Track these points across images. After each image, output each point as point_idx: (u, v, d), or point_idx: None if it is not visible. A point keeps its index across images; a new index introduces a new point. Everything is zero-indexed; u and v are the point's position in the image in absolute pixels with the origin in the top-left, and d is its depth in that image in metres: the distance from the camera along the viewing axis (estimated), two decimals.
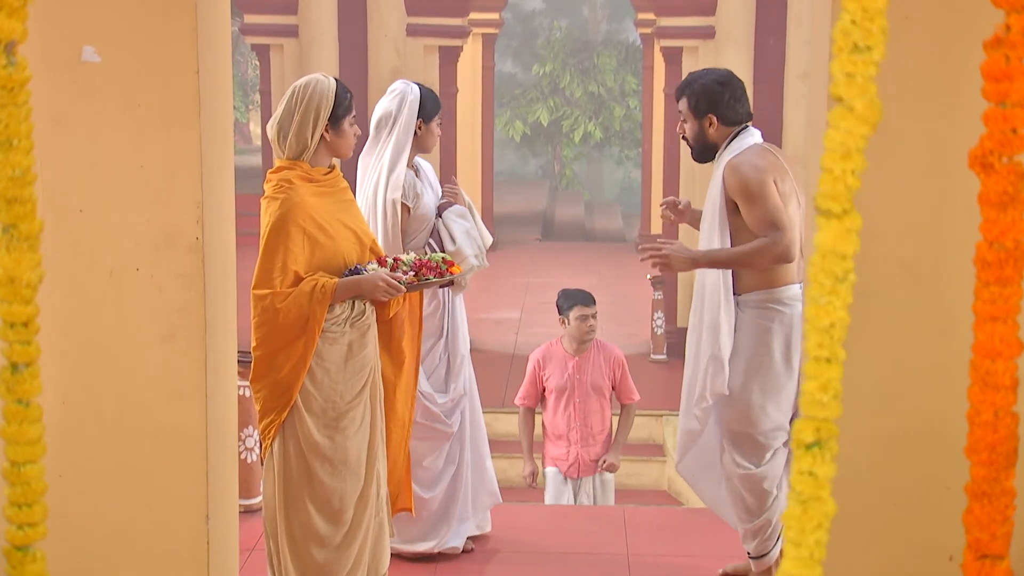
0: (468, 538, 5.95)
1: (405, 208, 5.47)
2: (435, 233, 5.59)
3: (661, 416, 11.00)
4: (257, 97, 25.09)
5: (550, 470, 7.78)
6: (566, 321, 7.60)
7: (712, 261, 5.19)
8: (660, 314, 12.62)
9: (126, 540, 3.94)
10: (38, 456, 2.10)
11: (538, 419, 7.72)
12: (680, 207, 5.56)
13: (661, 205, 5.68)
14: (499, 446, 8.06)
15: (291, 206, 4.54)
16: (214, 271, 3.93)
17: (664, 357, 12.63)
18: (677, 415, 10.61)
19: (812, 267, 1.94)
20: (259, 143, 20.65)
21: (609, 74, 25.60)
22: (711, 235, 5.22)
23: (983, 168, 1.89)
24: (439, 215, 5.63)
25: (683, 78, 5.48)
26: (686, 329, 13.07)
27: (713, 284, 5.25)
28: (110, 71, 3.74)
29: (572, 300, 7.63)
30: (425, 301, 5.39)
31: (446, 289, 5.58)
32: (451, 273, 4.94)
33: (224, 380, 4.09)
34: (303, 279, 4.54)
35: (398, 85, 5.64)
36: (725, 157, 5.20)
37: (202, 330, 3.88)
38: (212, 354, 3.93)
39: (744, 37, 12.19)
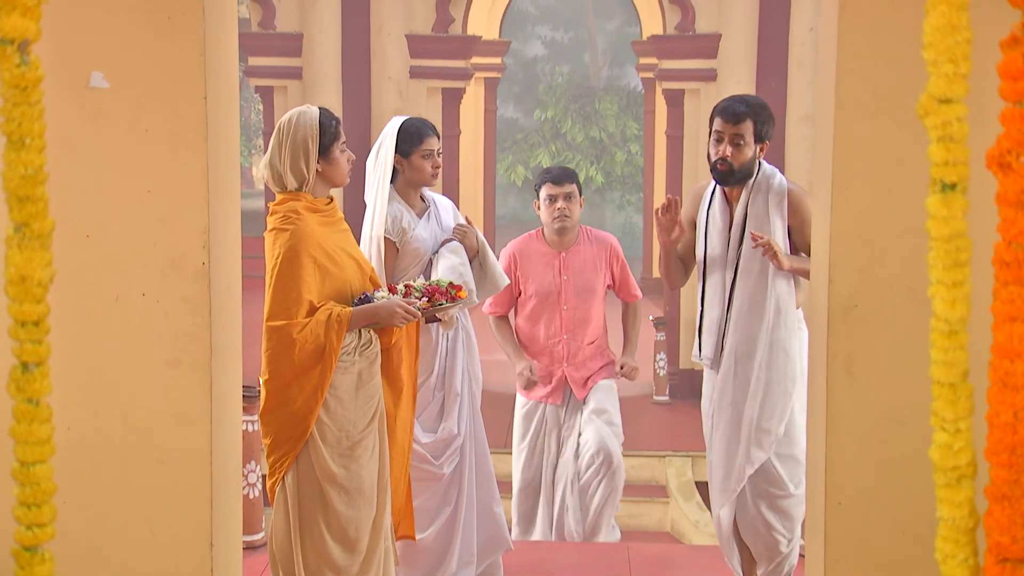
0: None
1: (391, 244, 5.43)
2: (428, 269, 5.51)
3: (664, 457, 10.94)
4: (260, 141, 25.16)
5: (520, 402, 6.82)
6: (539, 205, 6.64)
7: (802, 268, 5.17)
8: (663, 355, 12.57)
9: (130, 566, 3.91)
10: (47, 456, 2.08)
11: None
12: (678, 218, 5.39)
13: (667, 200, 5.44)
14: (500, 487, 7.79)
15: (302, 236, 4.52)
16: (220, 296, 3.92)
17: (667, 399, 12.58)
18: (680, 456, 10.67)
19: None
20: (261, 187, 20.69)
21: (611, 119, 25.68)
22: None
23: (1000, 168, 1.88)
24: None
25: (729, 100, 5.33)
26: (688, 370, 13.12)
27: (792, 303, 5.26)
28: (117, 95, 3.75)
29: (543, 176, 6.63)
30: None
31: (438, 326, 5.49)
32: (459, 298, 4.92)
33: (229, 405, 4.07)
34: (316, 309, 4.52)
35: None
36: (764, 189, 5.25)
37: (207, 355, 3.86)
38: (217, 379, 3.92)
39: (746, 80, 12.23)
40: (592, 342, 6.75)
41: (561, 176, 6.57)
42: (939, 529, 2.21)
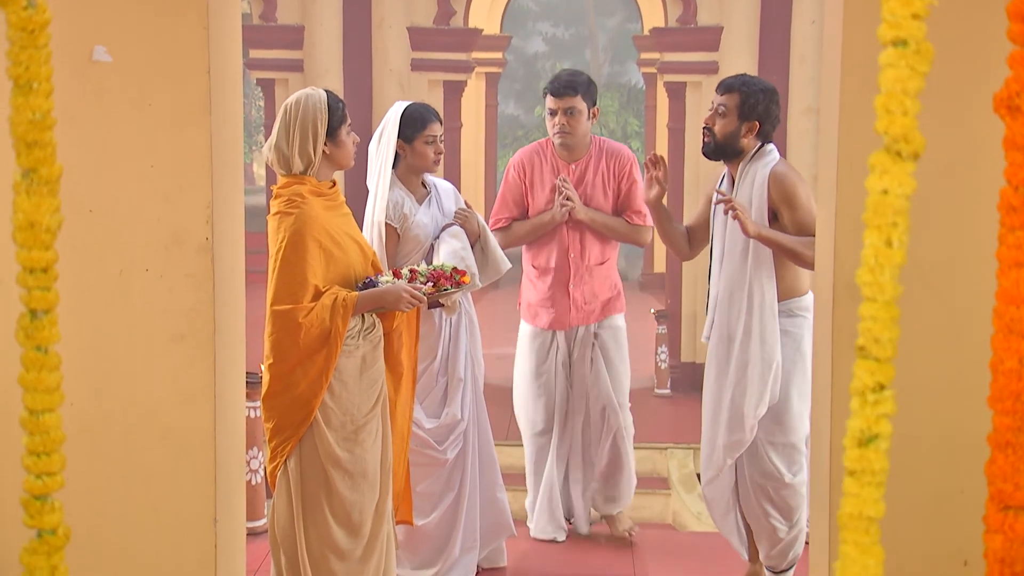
0: (479, 570, 5.83)
1: (393, 229, 5.42)
2: (430, 254, 5.50)
3: (665, 449, 10.95)
4: (260, 137, 25.15)
5: (526, 328, 6.33)
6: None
7: (773, 239, 5.15)
8: (664, 348, 12.59)
9: (134, 542, 3.90)
10: (56, 404, 2.08)
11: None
12: (662, 174, 5.47)
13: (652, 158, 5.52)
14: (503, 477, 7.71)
15: (307, 220, 4.49)
16: (223, 271, 3.91)
17: (668, 392, 12.59)
18: (681, 448, 10.69)
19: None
20: (263, 184, 20.69)
21: (611, 116, 25.70)
22: (755, 243, 5.20)
23: (1009, 111, 1.88)
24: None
25: (733, 77, 5.38)
26: (689, 363, 13.15)
27: (771, 292, 5.22)
28: (121, 70, 3.74)
29: (547, 85, 6.01)
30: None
31: (440, 311, 5.49)
32: (464, 283, 4.92)
33: (233, 382, 4.06)
34: (322, 293, 4.51)
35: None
36: (754, 169, 5.23)
37: (211, 331, 3.86)
38: (221, 355, 3.91)
39: (748, 72, 12.24)
40: (602, 263, 6.22)
41: (562, 88, 5.93)
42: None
